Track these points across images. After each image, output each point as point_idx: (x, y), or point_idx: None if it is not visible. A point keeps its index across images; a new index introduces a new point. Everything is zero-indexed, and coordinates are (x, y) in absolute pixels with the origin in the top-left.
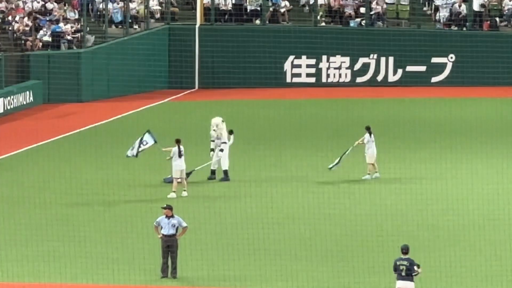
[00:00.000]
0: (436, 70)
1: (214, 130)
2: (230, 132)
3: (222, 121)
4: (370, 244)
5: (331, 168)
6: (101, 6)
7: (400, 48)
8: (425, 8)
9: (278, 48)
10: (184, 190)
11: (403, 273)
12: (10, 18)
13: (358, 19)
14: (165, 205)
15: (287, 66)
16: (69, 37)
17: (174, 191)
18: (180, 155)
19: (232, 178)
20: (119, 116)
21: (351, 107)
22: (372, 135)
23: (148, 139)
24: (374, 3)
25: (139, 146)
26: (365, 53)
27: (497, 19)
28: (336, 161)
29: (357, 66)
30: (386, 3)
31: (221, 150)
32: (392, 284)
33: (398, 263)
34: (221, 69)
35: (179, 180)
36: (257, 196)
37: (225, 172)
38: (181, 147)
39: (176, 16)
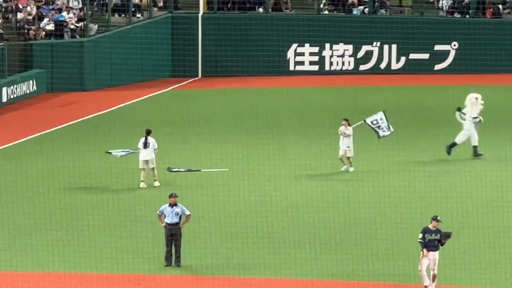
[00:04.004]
0: (439, 57)
1: (482, 104)
2: None
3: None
4: (374, 232)
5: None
6: None
7: (403, 36)
8: None
9: (281, 36)
10: (155, 180)
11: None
12: (13, 7)
13: (361, 7)
14: (172, 193)
15: (290, 54)
16: (72, 26)
17: (141, 180)
18: (145, 146)
19: (235, 166)
20: (122, 104)
21: (354, 95)
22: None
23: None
24: None
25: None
26: (368, 40)
27: (500, 6)
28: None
29: (360, 54)
30: None
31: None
32: (395, 271)
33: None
34: (224, 58)
35: (146, 169)
36: (260, 185)
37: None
38: (149, 138)
39: (179, 4)
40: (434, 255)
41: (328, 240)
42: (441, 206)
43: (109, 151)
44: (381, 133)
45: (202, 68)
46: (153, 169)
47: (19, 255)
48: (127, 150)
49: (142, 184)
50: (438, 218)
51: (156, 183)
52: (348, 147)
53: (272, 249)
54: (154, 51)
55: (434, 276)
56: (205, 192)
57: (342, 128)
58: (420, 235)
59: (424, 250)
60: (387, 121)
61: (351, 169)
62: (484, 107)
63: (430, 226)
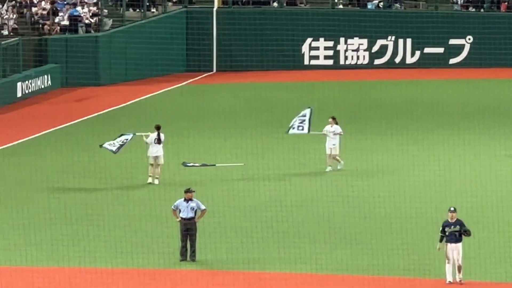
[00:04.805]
0: (454, 51)
1: None
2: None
3: None
4: (389, 226)
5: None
6: None
7: (418, 30)
8: None
9: (296, 30)
10: (156, 178)
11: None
12: (27, 1)
13: (376, 1)
14: (189, 188)
15: (305, 48)
16: (86, 21)
17: (150, 175)
18: (159, 142)
19: (250, 161)
20: (137, 99)
21: (369, 89)
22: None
23: (127, 137)
24: None
25: (120, 145)
26: (383, 35)
27: None
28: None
29: (375, 48)
30: None
31: None
32: (411, 265)
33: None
34: (239, 52)
35: (154, 165)
36: (275, 179)
37: None
38: (161, 134)
39: None
40: (457, 246)
41: (343, 235)
42: (456, 200)
43: (103, 145)
44: (291, 130)
45: (216, 63)
46: (159, 165)
47: (34, 250)
48: (121, 141)
49: (150, 179)
50: (452, 208)
51: (156, 181)
52: (334, 145)
53: (287, 243)
54: (169, 46)
55: (459, 267)
56: (220, 187)
57: (328, 128)
58: (441, 229)
59: (438, 244)
60: (309, 120)
61: (336, 167)
62: (498, 101)
63: (449, 219)
